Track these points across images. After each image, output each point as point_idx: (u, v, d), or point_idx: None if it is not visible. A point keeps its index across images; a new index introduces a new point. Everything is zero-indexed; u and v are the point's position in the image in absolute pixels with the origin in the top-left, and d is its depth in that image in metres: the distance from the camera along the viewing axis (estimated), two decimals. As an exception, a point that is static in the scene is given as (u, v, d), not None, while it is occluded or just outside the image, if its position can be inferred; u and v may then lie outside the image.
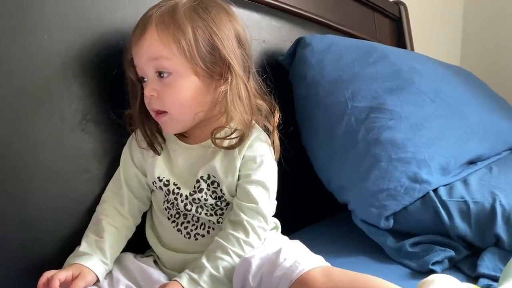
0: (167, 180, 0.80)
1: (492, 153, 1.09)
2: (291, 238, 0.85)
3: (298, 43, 1.08)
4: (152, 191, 0.84)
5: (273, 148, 0.82)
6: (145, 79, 0.77)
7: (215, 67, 0.75)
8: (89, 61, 0.82)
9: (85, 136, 0.82)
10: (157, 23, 0.73)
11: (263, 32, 1.13)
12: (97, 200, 0.83)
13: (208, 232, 0.80)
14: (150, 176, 0.81)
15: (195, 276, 0.69)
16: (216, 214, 0.80)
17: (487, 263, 0.75)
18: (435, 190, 0.88)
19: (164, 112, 0.76)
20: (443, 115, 1.00)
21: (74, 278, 0.69)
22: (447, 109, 1.02)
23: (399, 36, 1.65)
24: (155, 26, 0.73)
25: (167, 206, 0.81)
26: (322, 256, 0.73)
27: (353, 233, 0.95)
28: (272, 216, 0.83)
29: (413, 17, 1.72)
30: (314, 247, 0.83)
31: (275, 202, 0.83)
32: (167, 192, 0.80)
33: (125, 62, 0.79)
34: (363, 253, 0.89)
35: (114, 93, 0.83)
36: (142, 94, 0.78)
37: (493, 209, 0.81)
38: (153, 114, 0.78)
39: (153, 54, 0.73)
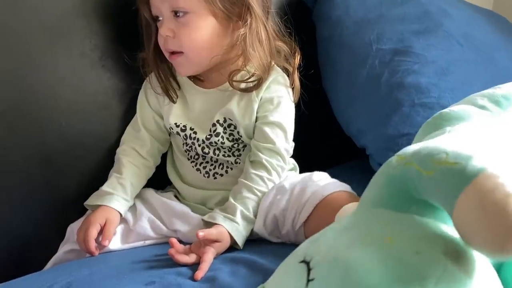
0: (184, 126, 0.80)
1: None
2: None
3: (322, -18, 1.03)
4: (170, 133, 0.84)
5: (293, 90, 0.81)
6: (160, 18, 0.75)
7: (234, 8, 0.73)
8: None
9: (105, 72, 0.82)
10: None
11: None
12: (117, 138, 0.84)
13: (226, 171, 0.81)
14: (167, 122, 0.81)
15: (230, 215, 0.71)
16: (233, 155, 0.81)
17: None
18: (456, 137, 0.86)
19: (180, 53, 0.75)
20: (471, 60, 0.96)
21: (102, 227, 0.72)
22: (476, 54, 0.98)
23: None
24: None
25: (186, 149, 0.82)
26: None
27: (369, 180, 0.95)
28: (290, 157, 0.84)
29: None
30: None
31: (293, 143, 0.83)
32: (184, 137, 0.80)
33: (139, 2, 0.76)
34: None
35: (132, 32, 0.81)
36: (157, 34, 0.76)
37: None
38: (167, 55, 0.76)
39: None
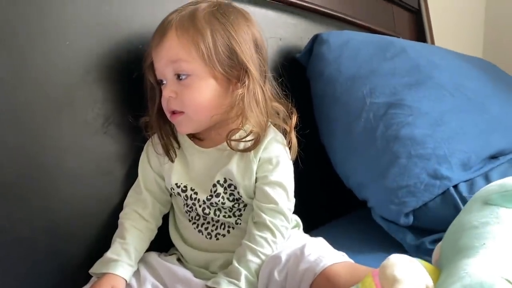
0: (185, 186, 0.82)
1: (514, 147, 1.07)
2: (311, 236, 0.86)
3: (315, 40, 1.08)
4: (171, 194, 0.86)
5: (290, 149, 0.82)
6: (164, 82, 0.79)
7: (233, 71, 0.77)
8: (110, 66, 0.84)
9: (107, 139, 0.84)
10: (177, 27, 0.76)
11: (279, 30, 1.14)
12: (120, 201, 0.85)
13: (228, 231, 0.82)
14: (168, 183, 0.83)
15: (234, 280, 0.71)
16: (234, 216, 0.82)
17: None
18: (455, 186, 0.87)
19: (181, 112, 0.78)
20: (464, 109, 0.99)
21: None
22: (468, 103, 1.01)
23: (418, 28, 1.62)
24: (175, 29, 0.75)
25: (187, 210, 0.84)
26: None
27: (373, 230, 0.95)
28: (293, 213, 0.85)
29: (432, 9, 1.69)
30: (335, 244, 0.83)
31: (294, 200, 0.84)
32: (185, 197, 0.82)
33: (144, 66, 0.81)
34: (383, 250, 0.89)
35: (134, 97, 0.85)
36: (160, 97, 0.80)
37: None
38: (168, 115, 0.80)
39: (173, 57, 0.75)
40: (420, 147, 0.90)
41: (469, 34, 2.15)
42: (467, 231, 0.57)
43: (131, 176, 0.86)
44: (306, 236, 0.86)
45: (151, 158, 0.85)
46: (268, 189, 0.78)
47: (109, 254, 0.76)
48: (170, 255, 0.85)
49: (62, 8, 0.80)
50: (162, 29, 0.77)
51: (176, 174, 0.82)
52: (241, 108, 0.76)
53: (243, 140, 0.78)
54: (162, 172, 0.84)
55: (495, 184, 0.62)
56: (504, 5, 2.14)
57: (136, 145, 0.86)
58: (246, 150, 0.79)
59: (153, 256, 0.81)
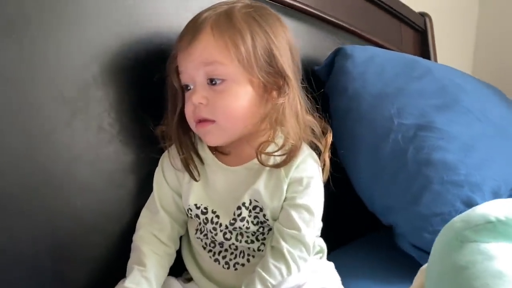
0: (205, 208, 0.73)
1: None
2: (330, 258, 0.81)
3: (337, 53, 1.03)
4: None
5: (323, 169, 0.75)
6: (190, 87, 0.70)
7: (270, 77, 0.69)
8: (129, 66, 0.76)
9: (123, 148, 0.75)
10: (213, 26, 0.67)
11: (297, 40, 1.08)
12: (132, 219, 0.76)
13: (248, 260, 0.73)
14: (185, 202, 0.74)
15: None
16: (257, 240, 0.73)
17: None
18: (489, 216, 0.83)
19: (211, 121, 0.69)
20: (491, 135, 0.96)
21: None
22: (494, 130, 0.98)
23: (423, 48, 1.61)
24: (210, 28, 0.67)
25: (200, 236, 0.75)
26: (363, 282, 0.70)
27: (397, 256, 0.90)
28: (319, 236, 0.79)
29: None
30: (357, 272, 0.78)
31: (321, 225, 0.77)
32: (205, 220, 0.73)
33: (169, 68, 0.72)
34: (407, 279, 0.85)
35: (154, 102, 0.76)
36: (183, 103, 0.72)
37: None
38: (193, 124, 0.71)
39: (207, 59, 0.67)
40: (453, 173, 0.86)
41: (459, 54, 2.18)
42: (458, 273, 0.52)
43: (145, 190, 0.77)
44: (330, 265, 0.80)
45: (167, 173, 0.75)
46: (293, 212, 0.70)
47: (128, 283, 0.66)
48: (187, 279, 0.77)
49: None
50: (195, 28, 0.68)
51: (196, 194, 0.73)
52: (277, 118, 0.69)
53: (276, 154, 0.70)
54: (180, 190, 0.75)
55: (460, 219, 0.56)
56: (495, 27, 2.17)
57: (153, 157, 0.77)
58: (277, 166, 0.71)
59: (173, 282, 0.73)
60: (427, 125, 0.91)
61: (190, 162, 0.73)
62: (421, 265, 0.84)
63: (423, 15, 1.60)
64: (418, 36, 1.60)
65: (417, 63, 1.02)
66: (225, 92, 0.68)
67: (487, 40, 2.20)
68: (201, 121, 0.70)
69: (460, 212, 0.81)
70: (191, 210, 0.74)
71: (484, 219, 0.55)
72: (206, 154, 0.75)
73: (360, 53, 1.02)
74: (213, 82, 0.68)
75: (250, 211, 0.72)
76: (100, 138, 0.73)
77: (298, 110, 0.71)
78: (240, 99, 0.68)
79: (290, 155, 0.70)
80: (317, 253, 0.80)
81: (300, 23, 1.11)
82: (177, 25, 0.78)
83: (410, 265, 0.85)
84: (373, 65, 1.00)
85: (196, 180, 0.73)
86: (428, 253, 0.82)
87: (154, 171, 0.77)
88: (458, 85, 1.02)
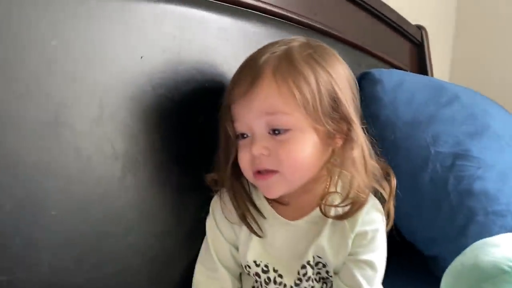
0: (266, 266, 0.68)
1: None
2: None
3: (364, 78, 1.01)
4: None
5: (387, 218, 0.70)
6: (246, 135, 0.64)
7: (335, 123, 0.63)
8: (173, 108, 0.70)
9: (166, 197, 0.69)
10: (275, 71, 0.61)
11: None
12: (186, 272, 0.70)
13: None
14: (243, 258, 0.69)
15: None
16: None
17: None
18: (534, 246, 0.85)
19: (273, 172, 0.63)
20: (522, 161, 0.98)
21: None
22: (523, 154, 1.00)
23: (420, 61, 1.63)
24: (272, 74, 0.61)
25: None
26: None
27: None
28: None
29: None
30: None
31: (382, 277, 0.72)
32: (267, 280, 0.68)
33: (223, 115, 0.65)
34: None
35: (202, 147, 0.71)
36: (236, 151, 0.66)
37: None
38: (251, 176, 0.64)
39: (270, 108, 0.61)
40: (495, 203, 0.86)
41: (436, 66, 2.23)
42: None
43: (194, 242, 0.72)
44: None
45: (221, 224, 0.69)
46: (355, 270, 0.66)
47: None
48: None
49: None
50: (254, 72, 0.62)
51: (254, 249, 0.68)
52: (342, 167, 0.65)
53: (341, 205, 0.65)
54: (237, 243, 0.70)
55: (471, 269, 0.59)
56: (471, 43, 2.22)
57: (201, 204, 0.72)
58: (341, 217, 0.66)
59: None
60: (463, 154, 0.91)
61: (248, 216, 0.67)
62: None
63: (420, 27, 1.62)
64: (415, 49, 1.62)
65: (444, 88, 1.02)
66: (289, 142, 0.62)
67: (464, 52, 2.26)
68: (261, 172, 0.64)
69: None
70: (249, 267, 0.68)
71: (499, 269, 0.56)
72: (263, 206, 0.69)
73: (389, 78, 1.00)
74: (276, 132, 0.62)
75: (312, 268, 0.67)
76: (138, 185, 0.66)
77: (365, 157, 0.66)
78: (305, 149, 0.63)
79: (356, 207, 0.65)
80: None
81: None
82: (220, 60, 0.73)
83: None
84: (403, 91, 0.99)
85: (260, 237, 0.67)
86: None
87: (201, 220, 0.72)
88: (485, 110, 1.03)
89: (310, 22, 1.00)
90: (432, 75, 1.64)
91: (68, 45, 0.55)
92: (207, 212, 0.72)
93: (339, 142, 0.65)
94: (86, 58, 0.57)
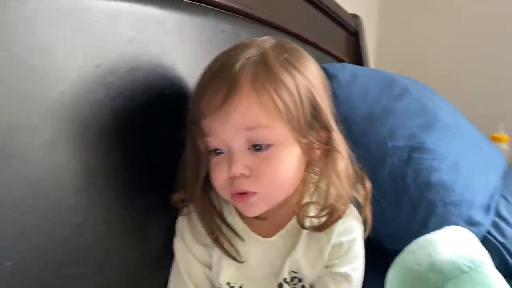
0: (240, 287, 0.64)
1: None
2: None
3: (318, 73, 0.98)
4: None
5: (364, 225, 0.68)
6: (222, 151, 0.58)
7: (316, 133, 0.59)
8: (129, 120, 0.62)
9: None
10: (254, 80, 0.54)
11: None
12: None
13: None
14: (216, 279, 0.63)
15: None
16: None
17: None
18: (488, 233, 0.89)
19: (252, 193, 0.57)
20: (467, 150, 1.01)
21: None
22: (468, 143, 1.04)
23: (355, 49, 1.65)
24: (251, 83, 0.54)
25: None
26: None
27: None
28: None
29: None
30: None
31: None
32: None
33: (191, 129, 0.58)
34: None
35: (166, 161, 0.64)
36: (207, 167, 0.59)
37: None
38: (228, 197, 0.59)
39: (251, 122, 0.54)
40: (451, 193, 0.89)
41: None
42: None
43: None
44: None
45: (192, 245, 0.63)
46: (331, 283, 0.63)
47: None
48: None
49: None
50: (229, 81, 0.54)
51: (228, 270, 0.63)
52: (323, 177, 0.61)
53: (319, 216, 0.62)
54: (210, 262, 0.64)
55: (428, 270, 0.60)
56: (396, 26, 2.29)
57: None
58: (318, 228, 0.62)
59: None
60: (419, 146, 0.92)
61: (222, 238, 0.62)
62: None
63: (355, 16, 1.63)
64: (351, 37, 1.63)
65: (394, 81, 1.03)
66: (271, 158, 0.56)
67: (388, 39, 2.34)
68: (239, 194, 0.58)
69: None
70: None
71: (458, 269, 0.58)
72: (236, 223, 0.64)
73: (343, 73, 0.99)
74: (257, 148, 0.56)
75: (289, 285, 0.64)
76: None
77: (347, 166, 0.63)
78: (289, 164, 0.58)
79: (334, 217, 0.62)
80: None
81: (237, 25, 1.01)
82: (180, 62, 0.66)
83: None
84: (357, 85, 0.98)
85: (241, 262, 0.62)
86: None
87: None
88: (434, 101, 1.05)
89: (249, 12, 0.95)
90: (368, 65, 1.67)
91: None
92: (173, 233, 0.65)
93: (318, 152, 0.61)
94: (32, 70, 0.48)
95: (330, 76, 0.97)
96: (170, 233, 0.64)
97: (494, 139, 1.52)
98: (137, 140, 0.61)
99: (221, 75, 0.55)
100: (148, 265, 0.61)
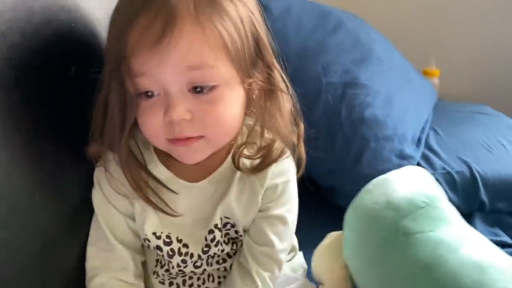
0: (167, 237, 0.59)
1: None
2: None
3: (249, 6, 0.92)
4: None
5: (298, 164, 0.64)
6: (154, 94, 0.51)
7: (258, 72, 0.54)
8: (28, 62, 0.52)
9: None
10: (196, 10, 0.47)
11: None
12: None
13: (219, 283, 0.65)
14: (140, 229, 0.59)
15: None
16: (229, 257, 0.64)
17: (480, 229, 0.83)
18: (418, 165, 0.91)
19: (198, 137, 0.52)
20: (401, 83, 1.01)
21: None
22: (401, 77, 1.04)
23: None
24: (194, 14, 0.47)
25: (157, 271, 0.63)
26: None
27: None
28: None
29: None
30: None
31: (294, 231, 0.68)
32: (170, 252, 0.60)
33: (115, 70, 0.49)
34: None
35: (76, 108, 0.56)
36: (135, 113, 0.52)
37: (473, 177, 0.88)
38: (163, 143, 0.53)
39: (194, 61, 0.48)
40: (384, 128, 0.89)
41: None
42: (430, 272, 0.56)
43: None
44: (302, 266, 0.74)
45: (113, 197, 0.58)
46: (266, 227, 0.61)
47: None
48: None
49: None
50: (166, 11, 0.46)
51: (153, 219, 0.59)
52: (263, 118, 0.56)
53: (255, 157, 0.58)
54: (133, 213, 0.59)
55: (384, 207, 0.62)
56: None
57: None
58: (253, 170, 0.58)
59: None
60: (353, 82, 0.91)
61: (146, 189, 0.56)
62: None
63: None
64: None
65: (329, 14, 0.99)
66: (215, 101, 0.51)
67: None
68: (188, 138, 0.52)
69: (398, 166, 0.87)
70: (148, 241, 0.59)
71: (414, 205, 0.60)
72: (159, 171, 0.59)
73: (276, 3, 0.93)
74: (198, 90, 0.50)
75: (220, 230, 0.61)
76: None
77: (289, 105, 0.59)
78: (233, 107, 0.53)
79: (270, 158, 0.58)
80: (290, 252, 0.73)
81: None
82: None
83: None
84: (291, 18, 0.93)
85: (168, 214, 0.58)
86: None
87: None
88: (368, 34, 1.03)
89: None
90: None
91: None
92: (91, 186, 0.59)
93: (256, 91, 0.56)
94: None
95: (261, 7, 0.91)
96: (87, 186, 0.59)
97: (426, 73, 1.54)
98: (39, 83, 0.53)
99: (154, 3, 0.47)
100: (63, 220, 0.56)
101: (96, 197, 0.59)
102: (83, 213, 0.59)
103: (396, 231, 0.58)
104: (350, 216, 0.65)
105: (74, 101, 0.57)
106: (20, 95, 0.50)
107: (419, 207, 0.58)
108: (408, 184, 0.63)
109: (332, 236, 0.68)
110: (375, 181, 0.67)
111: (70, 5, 0.57)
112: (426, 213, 0.58)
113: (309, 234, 0.76)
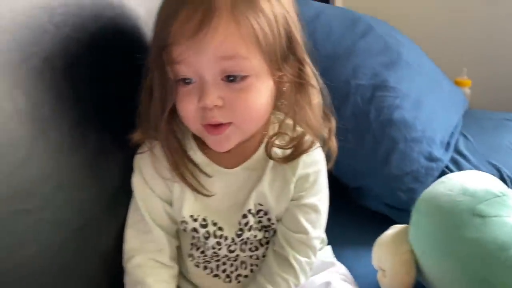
0: (204, 219, 0.63)
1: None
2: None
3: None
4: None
5: (328, 157, 0.67)
6: (192, 81, 0.55)
7: (289, 66, 0.58)
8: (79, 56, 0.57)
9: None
10: (233, 5, 0.51)
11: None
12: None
13: (251, 270, 0.67)
14: (178, 213, 0.63)
15: None
16: (261, 246, 0.67)
17: None
18: (446, 167, 0.91)
19: (227, 124, 0.56)
20: (430, 88, 1.02)
21: None
22: (430, 81, 1.04)
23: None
24: (230, 9, 0.51)
25: (193, 253, 0.66)
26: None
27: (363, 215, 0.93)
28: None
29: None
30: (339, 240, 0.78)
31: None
32: (206, 235, 0.63)
33: (158, 58, 0.54)
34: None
35: (121, 96, 0.60)
36: (174, 99, 0.56)
37: (503, 181, 0.87)
38: (198, 128, 0.57)
39: (228, 52, 0.52)
40: (412, 130, 0.90)
41: None
42: (503, 251, 0.57)
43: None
44: (332, 261, 0.75)
45: (152, 181, 0.62)
46: (300, 214, 0.64)
47: None
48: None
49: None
50: (205, 5, 0.51)
51: (190, 203, 0.62)
52: (294, 111, 0.59)
53: (286, 147, 0.61)
54: (171, 197, 0.63)
55: (461, 193, 0.64)
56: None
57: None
58: (285, 160, 0.61)
59: None
60: (382, 85, 0.92)
61: (186, 172, 0.60)
62: (391, 220, 0.90)
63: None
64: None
65: (358, 20, 1.01)
66: (246, 91, 0.55)
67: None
68: (218, 125, 0.56)
69: (426, 168, 0.88)
70: (186, 223, 0.63)
71: (491, 193, 0.62)
72: (197, 157, 0.62)
73: (306, 10, 0.96)
74: (231, 79, 0.54)
75: (253, 216, 0.64)
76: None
77: (318, 99, 0.62)
78: (262, 97, 0.56)
79: (301, 149, 0.61)
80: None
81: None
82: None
83: (379, 221, 0.89)
84: (321, 23, 0.96)
85: (208, 196, 0.61)
86: (401, 210, 0.88)
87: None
88: (397, 39, 1.04)
89: None
90: (334, 3, 1.64)
91: None
92: (131, 171, 0.63)
93: (286, 85, 0.59)
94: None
95: (293, 13, 0.94)
96: (126, 172, 0.62)
97: (458, 83, 1.54)
98: (88, 73, 0.57)
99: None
100: (102, 202, 0.59)
101: (136, 181, 0.63)
102: (121, 196, 0.62)
103: (472, 213, 0.60)
104: (421, 201, 0.68)
105: (118, 90, 0.61)
106: (69, 83, 0.54)
107: (496, 195, 0.61)
108: (483, 178, 0.67)
109: (396, 227, 0.71)
110: (448, 175, 0.70)
111: (115, 2, 0.62)
112: (503, 201, 0.60)
113: (336, 233, 0.78)
